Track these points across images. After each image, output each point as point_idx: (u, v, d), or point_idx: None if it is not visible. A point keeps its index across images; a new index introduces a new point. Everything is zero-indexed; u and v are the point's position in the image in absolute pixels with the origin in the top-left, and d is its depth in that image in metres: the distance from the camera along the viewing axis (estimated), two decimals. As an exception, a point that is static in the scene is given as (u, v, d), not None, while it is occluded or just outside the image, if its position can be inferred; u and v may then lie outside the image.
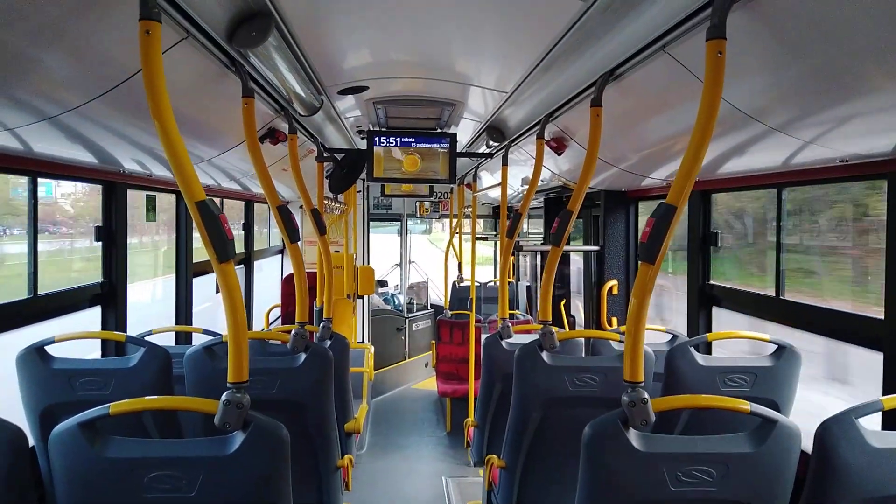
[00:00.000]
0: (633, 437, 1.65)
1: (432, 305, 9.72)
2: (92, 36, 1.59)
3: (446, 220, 7.68)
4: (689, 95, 2.02)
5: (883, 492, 1.61)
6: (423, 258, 8.90)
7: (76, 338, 2.73)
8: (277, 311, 6.85)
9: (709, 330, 3.61)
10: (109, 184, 3.37)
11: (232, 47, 2.04)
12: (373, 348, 6.30)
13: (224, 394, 1.66)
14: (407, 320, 8.70)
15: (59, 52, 1.62)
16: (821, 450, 1.66)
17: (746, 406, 1.69)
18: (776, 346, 2.76)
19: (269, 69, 2.33)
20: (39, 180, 2.91)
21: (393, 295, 10.09)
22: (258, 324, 6.54)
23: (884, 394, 2.26)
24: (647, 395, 1.67)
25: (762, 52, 1.66)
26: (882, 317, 2.34)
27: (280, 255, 7.56)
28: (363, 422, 3.70)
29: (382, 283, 10.17)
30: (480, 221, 10.33)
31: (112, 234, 3.40)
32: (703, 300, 3.60)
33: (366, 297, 7.65)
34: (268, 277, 7.42)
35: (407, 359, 8.68)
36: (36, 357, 2.52)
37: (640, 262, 1.69)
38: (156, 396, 1.82)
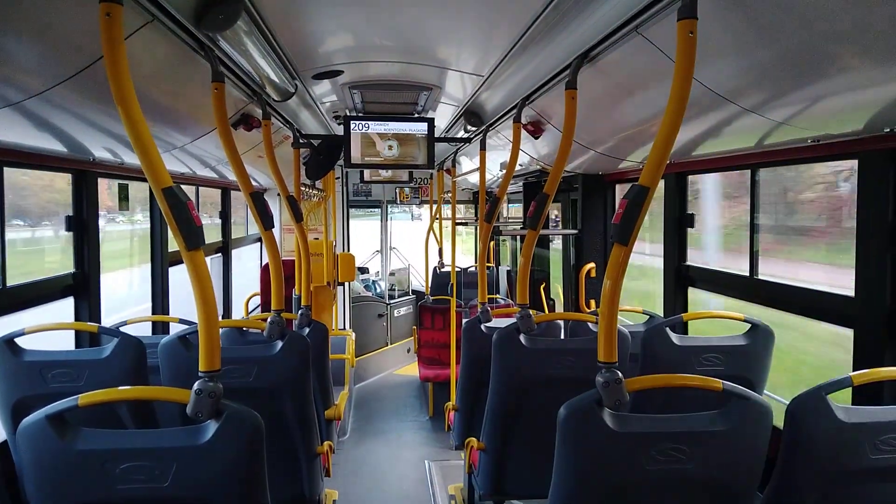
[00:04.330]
0: (608, 417, 1.67)
1: (414, 291, 9.72)
2: (54, 18, 1.55)
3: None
4: (663, 77, 2.02)
5: (853, 465, 1.65)
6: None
7: (47, 329, 2.68)
8: (257, 300, 6.80)
9: (685, 310, 3.65)
10: (79, 172, 3.30)
11: (200, 31, 2.00)
12: (354, 335, 6.29)
13: (196, 383, 1.65)
14: (388, 306, 8.69)
15: (19, 34, 1.57)
16: (792, 425, 1.69)
17: (718, 384, 1.72)
18: (749, 325, 2.80)
19: (239, 53, 2.29)
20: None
21: (374, 282, 10.07)
22: (238, 312, 6.49)
23: (854, 369, 2.31)
24: (620, 376, 1.68)
25: (734, 32, 1.67)
26: (853, 295, 2.39)
27: (259, 244, 7.49)
28: (344, 408, 3.70)
29: (363, 270, 10.14)
30: (461, 206, 10.32)
31: (83, 224, 3.34)
32: (679, 281, 3.65)
33: (347, 284, 7.61)
34: (248, 266, 7.36)
35: (389, 345, 8.68)
36: (6, 350, 2.48)
37: (613, 244, 1.69)
38: (127, 387, 1.79)
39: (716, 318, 3.08)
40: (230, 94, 2.69)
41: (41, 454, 1.58)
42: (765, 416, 1.71)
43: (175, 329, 3.29)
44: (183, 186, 1.61)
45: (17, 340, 2.53)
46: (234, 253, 6.29)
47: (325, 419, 3.45)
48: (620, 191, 4.77)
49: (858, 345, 2.37)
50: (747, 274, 3.07)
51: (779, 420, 1.77)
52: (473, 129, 4.27)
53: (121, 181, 3.82)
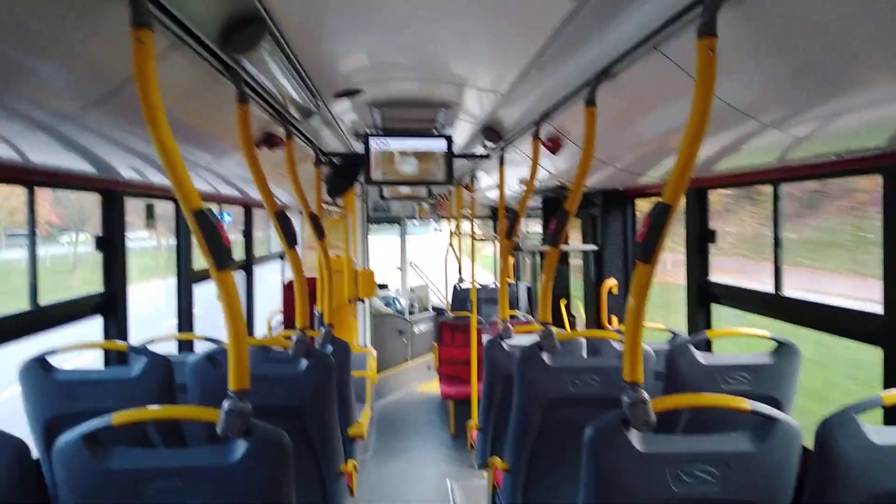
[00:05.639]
0: (634, 437, 1.65)
1: (433, 308, 9.71)
2: (85, 43, 1.59)
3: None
4: (683, 93, 2.02)
5: (885, 488, 1.61)
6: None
7: (78, 348, 2.73)
8: (279, 317, 6.84)
9: (709, 328, 3.60)
10: (107, 192, 3.37)
11: (225, 53, 2.04)
12: (375, 352, 6.30)
13: (225, 402, 1.66)
14: (409, 323, 8.69)
15: (52, 60, 1.62)
16: (822, 447, 1.66)
17: (747, 404, 1.69)
18: (776, 343, 2.75)
19: (263, 74, 2.33)
20: None
21: (394, 298, 10.10)
22: (260, 330, 6.54)
23: (884, 389, 2.26)
24: (646, 396, 1.66)
25: (753, 48, 1.66)
26: (882, 312, 2.34)
27: (281, 261, 7.56)
28: (367, 426, 3.70)
29: (383, 287, 10.17)
30: (478, 222, 10.33)
31: (111, 244, 3.40)
32: (703, 298, 3.60)
33: (367, 301, 7.64)
34: (271, 283, 7.43)
35: (409, 361, 8.67)
36: (38, 368, 2.52)
37: (636, 262, 1.68)
38: (158, 406, 1.81)
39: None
40: (254, 114, 2.75)
41: (76, 474, 1.60)
42: (794, 438, 1.68)
43: (199, 346, 3.32)
44: (207, 204, 1.64)
45: (49, 359, 2.57)
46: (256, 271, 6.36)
47: (349, 437, 3.45)
48: (640, 206, 4.74)
49: (888, 364, 2.32)
50: (772, 291, 3.02)
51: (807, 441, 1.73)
52: (491, 145, 4.29)
53: (147, 201, 3.90)
